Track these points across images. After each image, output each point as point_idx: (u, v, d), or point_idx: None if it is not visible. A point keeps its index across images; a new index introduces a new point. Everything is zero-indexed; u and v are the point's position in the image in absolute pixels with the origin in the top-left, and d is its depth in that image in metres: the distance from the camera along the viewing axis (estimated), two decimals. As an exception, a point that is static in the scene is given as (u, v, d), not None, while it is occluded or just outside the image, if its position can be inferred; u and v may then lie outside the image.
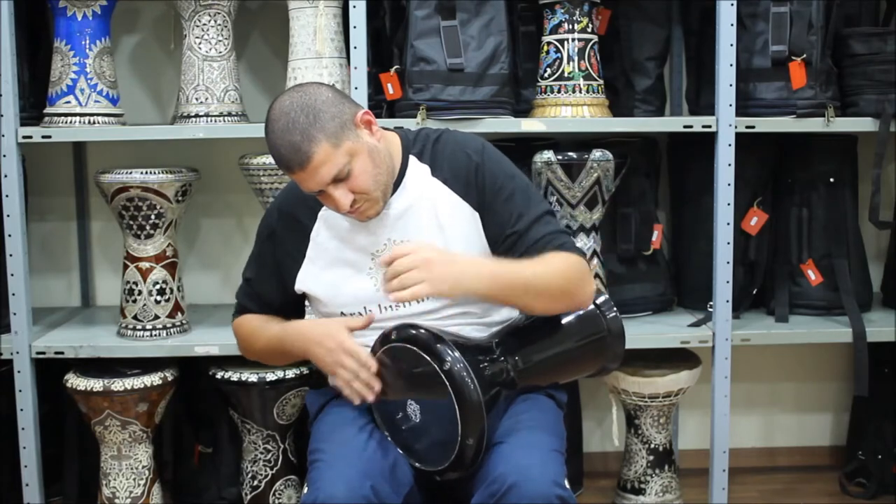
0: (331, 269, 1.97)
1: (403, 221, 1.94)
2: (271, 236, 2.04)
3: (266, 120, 1.84)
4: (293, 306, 2.07)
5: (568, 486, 1.79)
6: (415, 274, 1.73)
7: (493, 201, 1.92)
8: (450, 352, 1.73)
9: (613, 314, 1.97)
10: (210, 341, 2.60)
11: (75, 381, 2.55)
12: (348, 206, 1.84)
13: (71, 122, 2.58)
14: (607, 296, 1.99)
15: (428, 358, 1.74)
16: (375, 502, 1.74)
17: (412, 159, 1.97)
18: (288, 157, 1.80)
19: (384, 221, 1.93)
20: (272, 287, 2.05)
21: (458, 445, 1.73)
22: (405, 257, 1.75)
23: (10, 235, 2.54)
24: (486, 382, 1.75)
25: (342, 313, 1.96)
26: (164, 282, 2.64)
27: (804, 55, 2.59)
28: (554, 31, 2.63)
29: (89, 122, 2.59)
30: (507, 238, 1.92)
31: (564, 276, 1.86)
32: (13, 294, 2.56)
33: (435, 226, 1.93)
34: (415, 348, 1.77)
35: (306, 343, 1.92)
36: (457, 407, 1.71)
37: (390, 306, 1.91)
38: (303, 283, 2.00)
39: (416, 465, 1.84)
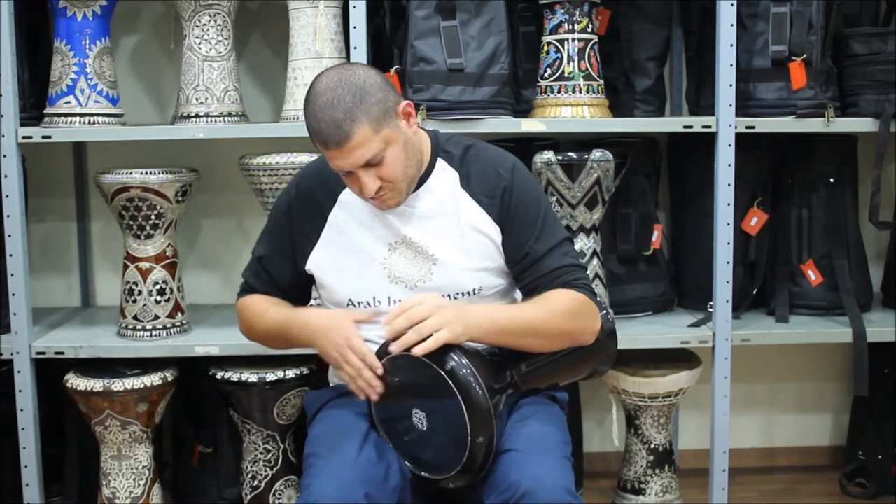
0: (344, 254, 1.95)
1: (426, 222, 1.93)
2: (288, 212, 2.01)
3: (309, 92, 1.81)
4: (301, 289, 2.05)
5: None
6: (432, 321, 1.73)
7: (515, 220, 1.93)
8: (454, 356, 1.73)
9: (604, 315, 1.97)
10: (210, 341, 2.60)
11: (75, 382, 2.55)
12: (374, 192, 1.83)
13: (71, 122, 2.58)
14: (600, 299, 1.98)
15: (431, 363, 1.74)
16: None
17: (440, 161, 1.96)
18: (327, 132, 1.77)
19: (407, 217, 1.93)
20: (283, 265, 2.02)
21: (468, 447, 1.72)
22: (415, 308, 1.75)
23: (10, 235, 2.54)
24: (491, 383, 1.75)
25: (350, 301, 1.95)
26: (164, 282, 2.64)
27: (804, 55, 2.59)
28: (554, 31, 2.63)
29: (89, 122, 2.58)
30: (523, 258, 1.92)
31: (568, 317, 1.87)
32: (13, 294, 2.56)
33: (457, 234, 1.93)
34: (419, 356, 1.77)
35: (312, 333, 1.89)
36: (464, 406, 1.71)
37: (399, 299, 1.89)
38: (314, 263, 1.98)
39: (424, 474, 1.82)
